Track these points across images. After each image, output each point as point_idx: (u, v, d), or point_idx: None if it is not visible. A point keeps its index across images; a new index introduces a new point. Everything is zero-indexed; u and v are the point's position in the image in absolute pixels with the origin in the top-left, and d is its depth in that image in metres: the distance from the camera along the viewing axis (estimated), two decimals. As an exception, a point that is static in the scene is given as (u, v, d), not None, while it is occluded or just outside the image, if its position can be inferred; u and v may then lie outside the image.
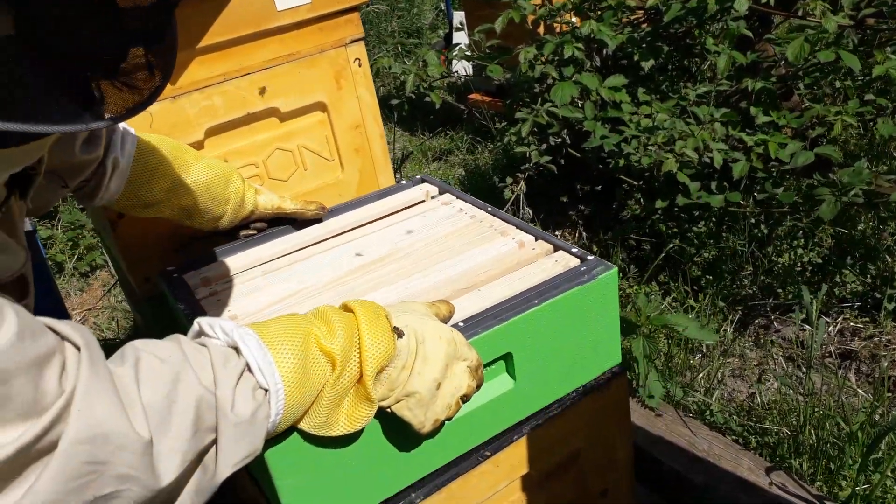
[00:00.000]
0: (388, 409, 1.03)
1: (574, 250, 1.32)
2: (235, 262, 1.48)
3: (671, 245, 2.91)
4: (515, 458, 1.27)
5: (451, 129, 5.03)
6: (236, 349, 0.91)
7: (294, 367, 0.91)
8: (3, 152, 0.70)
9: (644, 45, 2.72)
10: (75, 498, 0.73)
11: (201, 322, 0.95)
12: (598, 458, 1.40)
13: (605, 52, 2.87)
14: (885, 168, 3.07)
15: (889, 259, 2.76)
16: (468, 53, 2.96)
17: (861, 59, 2.37)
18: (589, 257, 1.28)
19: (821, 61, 2.28)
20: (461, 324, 1.15)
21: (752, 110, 2.54)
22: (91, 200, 1.33)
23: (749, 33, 2.53)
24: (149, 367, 0.82)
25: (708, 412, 2.28)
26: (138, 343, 0.86)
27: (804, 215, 2.85)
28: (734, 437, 2.11)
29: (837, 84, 2.59)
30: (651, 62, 2.70)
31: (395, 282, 1.33)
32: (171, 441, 0.81)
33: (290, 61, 1.59)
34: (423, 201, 1.67)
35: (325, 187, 1.75)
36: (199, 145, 1.55)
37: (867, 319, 2.65)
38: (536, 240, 1.40)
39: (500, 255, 1.36)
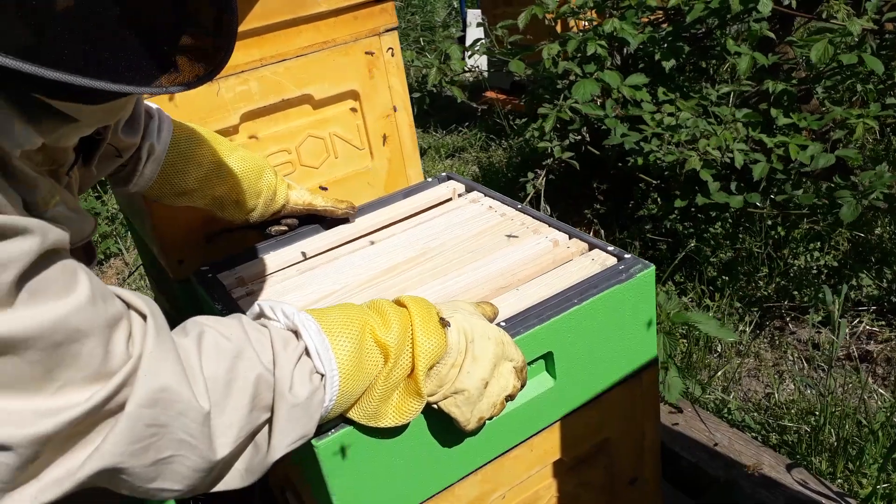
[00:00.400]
0: (436, 405, 1.04)
1: (610, 249, 1.32)
2: (269, 261, 1.48)
3: (689, 245, 2.92)
4: (549, 443, 1.27)
5: (464, 127, 5.04)
6: (296, 333, 0.92)
7: (350, 355, 0.92)
8: (87, 111, 0.71)
9: (665, 45, 2.73)
10: (137, 459, 0.74)
11: (262, 305, 0.96)
12: (628, 446, 1.40)
13: (625, 50, 2.88)
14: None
15: (905, 263, 2.77)
16: (490, 49, 2.97)
17: (883, 62, 2.38)
18: (626, 255, 1.29)
19: (843, 63, 2.29)
20: (503, 323, 1.16)
21: (773, 112, 2.55)
22: (126, 185, 1.33)
23: (772, 35, 2.54)
24: (212, 341, 0.83)
25: (726, 410, 2.29)
26: (201, 318, 0.87)
27: (821, 218, 2.86)
28: (753, 435, 2.12)
29: (859, 88, 2.59)
30: (672, 62, 2.71)
31: (431, 280, 1.33)
32: (228, 415, 0.82)
33: (325, 49, 1.60)
34: (451, 199, 1.67)
35: (355, 175, 1.76)
36: (234, 130, 1.56)
37: (883, 323, 2.66)
38: (570, 238, 1.40)
39: (535, 253, 1.37)
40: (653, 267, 1.26)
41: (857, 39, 2.29)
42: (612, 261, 1.29)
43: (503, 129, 4.52)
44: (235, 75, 1.51)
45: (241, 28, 1.48)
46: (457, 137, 4.94)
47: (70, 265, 0.71)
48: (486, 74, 4.80)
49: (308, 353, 0.91)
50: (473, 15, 6.15)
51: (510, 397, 1.10)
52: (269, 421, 0.88)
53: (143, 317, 0.77)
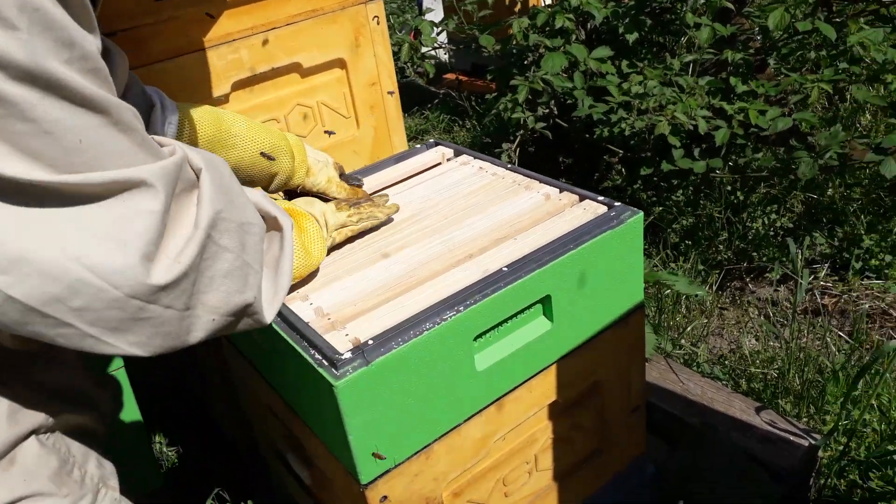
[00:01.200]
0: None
1: (600, 199, 1.40)
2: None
3: (654, 212, 3.03)
4: (545, 385, 1.35)
5: (426, 109, 5.08)
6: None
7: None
8: None
9: (628, 19, 2.82)
10: (231, 208, 0.87)
11: None
12: (617, 388, 1.49)
13: (589, 25, 2.97)
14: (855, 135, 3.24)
15: (855, 222, 2.93)
16: (460, 24, 3.03)
17: (835, 29, 2.52)
18: (616, 204, 1.36)
19: (799, 31, 2.41)
20: (505, 269, 1.22)
21: (732, 80, 2.66)
22: None
23: (730, 5, 2.65)
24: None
25: (695, 365, 2.40)
26: None
27: (778, 181, 3.01)
28: (724, 382, 2.24)
29: (812, 55, 2.73)
30: (635, 35, 2.80)
31: (431, 236, 1.38)
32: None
33: (313, 17, 1.64)
34: (440, 164, 1.72)
35: (342, 144, 1.80)
36: (225, 99, 1.59)
37: (836, 279, 2.82)
38: (561, 191, 1.47)
39: (529, 207, 1.43)
40: (640, 213, 1.34)
41: (810, 8, 2.42)
42: (603, 209, 1.36)
43: (466, 111, 4.58)
44: (227, 44, 1.54)
45: (231, -4, 1.52)
46: (419, 120, 4.98)
47: None
48: (447, 58, 4.85)
49: None
50: (429, 0, 6.16)
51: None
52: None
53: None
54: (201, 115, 1.28)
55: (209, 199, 0.83)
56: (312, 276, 1.30)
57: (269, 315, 0.97)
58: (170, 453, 2.06)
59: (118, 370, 1.64)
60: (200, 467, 2.08)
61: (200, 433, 2.13)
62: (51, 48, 0.66)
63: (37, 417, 0.86)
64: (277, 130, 1.35)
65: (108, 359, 1.63)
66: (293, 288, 1.25)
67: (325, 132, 1.70)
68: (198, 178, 0.85)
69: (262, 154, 1.29)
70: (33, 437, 0.85)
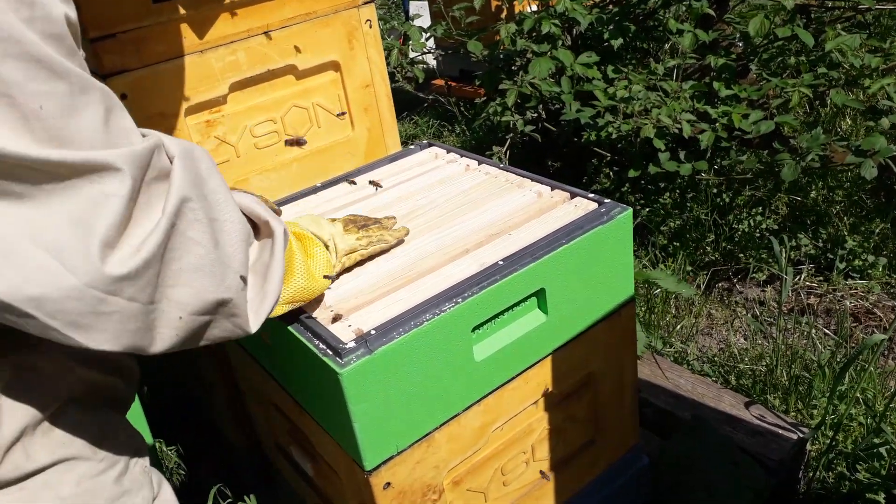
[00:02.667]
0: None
1: (591, 196, 1.44)
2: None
3: (642, 214, 3.08)
4: (541, 376, 1.38)
5: (415, 115, 5.12)
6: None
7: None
8: None
9: (612, 25, 2.88)
10: (198, 192, 0.82)
11: None
12: (610, 380, 1.52)
13: (575, 31, 3.03)
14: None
15: (839, 223, 2.99)
16: (448, 30, 3.08)
17: (813, 35, 2.59)
18: (606, 201, 1.40)
19: (778, 36, 2.47)
20: (501, 262, 1.25)
21: (715, 85, 2.72)
22: None
23: (712, 12, 2.72)
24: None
25: (685, 363, 2.44)
26: None
27: (762, 184, 3.07)
28: (714, 379, 2.28)
29: (791, 61, 2.80)
30: (620, 41, 2.86)
31: (426, 233, 1.41)
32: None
33: (308, 20, 1.67)
34: (435, 165, 1.76)
35: (337, 145, 1.83)
36: (223, 100, 1.62)
37: (821, 278, 2.88)
38: (553, 189, 1.51)
39: (522, 204, 1.47)
40: (630, 210, 1.38)
41: (790, 14, 2.48)
42: (594, 206, 1.40)
43: (454, 116, 4.63)
44: (225, 45, 1.57)
45: None
46: (408, 125, 5.02)
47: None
48: (434, 64, 4.90)
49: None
50: (415, 6, 6.24)
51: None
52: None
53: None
54: None
55: (176, 187, 0.78)
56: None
57: (253, 323, 0.91)
58: (170, 453, 2.06)
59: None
60: (201, 466, 2.10)
61: (200, 433, 2.13)
62: (10, 4, 0.63)
63: (77, 385, 0.87)
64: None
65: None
66: (296, 312, 1.18)
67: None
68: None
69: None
70: (74, 404, 0.87)
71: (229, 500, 1.72)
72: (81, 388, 0.88)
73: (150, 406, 1.82)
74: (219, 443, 2.06)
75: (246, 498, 1.64)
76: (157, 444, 2.05)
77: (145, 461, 0.98)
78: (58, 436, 0.85)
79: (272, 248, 0.97)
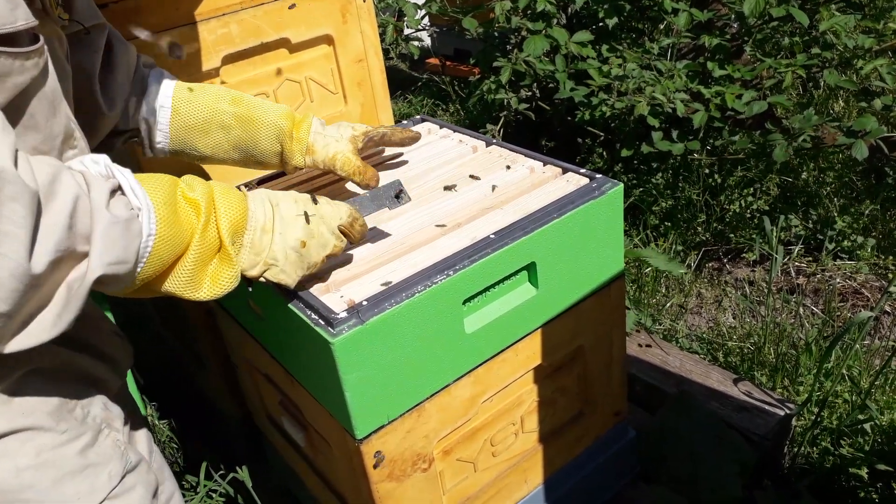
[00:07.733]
0: (263, 279, 1.06)
1: (582, 171, 1.45)
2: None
3: (634, 194, 3.09)
4: (531, 349, 1.40)
5: (410, 93, 5.11)
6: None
7: (164, 198, 0.89)
8: None
9: (607, 4, 2.87)
10: None
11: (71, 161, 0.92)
12: (599, 353, 1.54)
13: (570, 9, 3.02)
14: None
15: (829, 205, 3.02)
16: (442, 6, 3.06)
17: (807, 16, 2.59)
18: (597, 176, 1.41)
19: (773, 16, 2.47)
20: (492, 236, 1.26)
21: (709, 65, 2.72)
22: (145, 153, 1.33)
23: (707, -9, 2.72)
24: (35, 159, 0.79)
25: (675, 339, 2.47)
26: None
27: (754, 165, 3.08)
28: (702, 356, 2.31)
29: (785, 41, 2.80)
30: (615, 20, 2.86)
31: (418, 206, 1.41)
32: (50, 217, 0.76)
33: (302, -7, 1.66)
34: (428, 140, 1.76)
35: (329, 119, 1.82)
36: (215, 72, 1.61)
37: (810, 259, 2.90)
38: (545, 165, 1.52)
39: (515, 179, 1.48)
40: (621, 185, 1.39)
41: (783, -6, 2.49)
42: (585, 181, 1.41)
43: (448, 95, 4.62)
44: (217, 18, 1.56)
45: (221, -29, 1.54)
46: (402, 104, 5.01)
47: None
48: (429, 42, 4.88)
49: (122, 191, 0.87)
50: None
51: (331, 256, 1.15)
52: (88, 254, 0.81)
53: None
54: (198, 96, 1.28)
55: None
56: None
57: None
58: (162, 426, 2.08)
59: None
60: (193, 439, 2.11)
61: (191, 405, 2.15)
62: None
63: (41, 357, 0.87)
64: (285, 111, 1.32)
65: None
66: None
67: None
68: None
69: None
70: (35, 374, 0.87)
71: (221, 472, 1.74)
72: (48, 361, 0.88)
73: (143, 382, 1.84)
74: (211, 415, 2.08)
75: (238, 469, 1.66)
76: (150, 417, 2.07)
77: (118, 433, 0.99)
78: (17, 404, 0.85)
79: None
